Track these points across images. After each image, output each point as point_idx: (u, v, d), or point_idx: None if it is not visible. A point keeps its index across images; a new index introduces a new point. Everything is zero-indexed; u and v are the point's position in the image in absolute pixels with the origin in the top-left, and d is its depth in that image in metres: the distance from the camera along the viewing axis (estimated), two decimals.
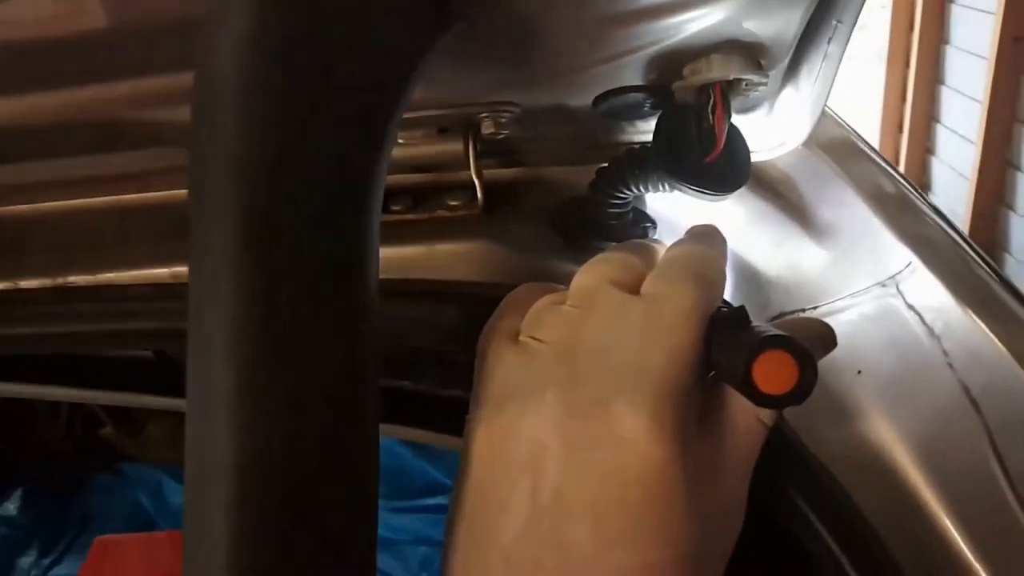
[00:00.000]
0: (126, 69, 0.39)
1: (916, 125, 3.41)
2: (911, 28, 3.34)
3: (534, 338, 0.31)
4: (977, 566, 0.38)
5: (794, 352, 0.25)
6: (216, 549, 0.25)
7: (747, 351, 0.26)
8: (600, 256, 0.34)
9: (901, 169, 3.47)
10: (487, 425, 0.30)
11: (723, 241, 0.36)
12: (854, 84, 3.50)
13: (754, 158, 0.45)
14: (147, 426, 1.36)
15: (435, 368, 0.46)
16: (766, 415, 0.32)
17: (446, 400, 0.47)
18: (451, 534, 0.30)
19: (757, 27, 0.36)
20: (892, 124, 3.51)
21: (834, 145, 0.51)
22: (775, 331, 0.27)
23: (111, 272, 0.47)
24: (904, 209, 0.47)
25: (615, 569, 0.27)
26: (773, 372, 0.25)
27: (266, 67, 0.25)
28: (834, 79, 0.41)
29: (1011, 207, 2.99)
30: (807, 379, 0.26)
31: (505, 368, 0.31)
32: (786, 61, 0.39)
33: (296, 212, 0.26)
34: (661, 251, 0.36)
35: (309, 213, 0.26)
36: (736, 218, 0.48)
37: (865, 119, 3.49)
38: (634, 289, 0.31)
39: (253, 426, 0.25)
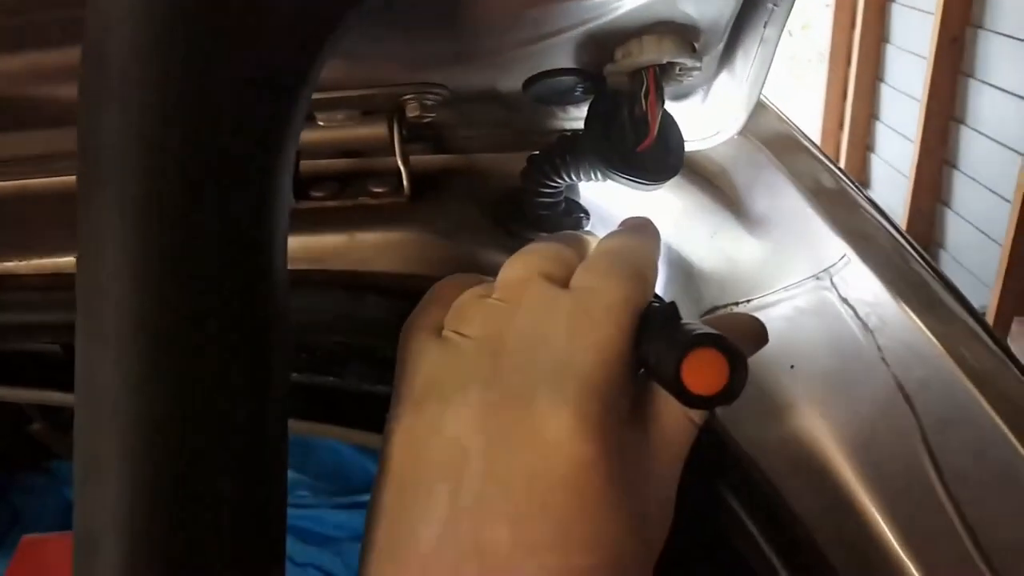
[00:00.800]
0: (24, 40, 0.36)
1: (857, 123, 3.47)
2: (853, 27, 3.40)
3: (458, 332, 0.30)
4: (909, 564, 0.38)
5: (725, 351, 0.24)
6: (107, 550, 0.23)
7: (676, 349, 0.25)
8: (529, 247, 0.33)
9: (842, 165, 3.53)
10: (406, 423, 0.29)
11: (656, 234, 0.35)
12: (796, 82, 3.55)
13: (689, 147, 0.44)
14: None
15: (360, 363, 0.44)
16: (697, 413, 0.30)
17: (371, 397, 0.45)
18: (368, 538, 0.29)
19: (691, 8, 0.35)
20: (833, 121, 3.57)
21: (774, 139, 0.50)
22: (705, 329, 0.25)
23: (9, 262, 0.44)
24: (842, 203, 0.46)
25: (539, 572, 0.25)
26: (703, 372, 0.24)
27: (158, 35, 0.23)
28: (770, 66, 0.40)
29: (947, 204, 3.07)
30: (737, 379, 0.25)
31: (427, 363, 0.30)
32: (721, 46, 0.38)
33: (191, 194, 0.23)
34: (593, 243, 0.35)
35: (206, 195, 0.23)
36: (670, 209, 0.47)
37: (807, 117, 3.55)
38: (563, 282, 0.30)
39: (144, 422, 0.23)
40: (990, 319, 2.66)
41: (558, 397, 0.26)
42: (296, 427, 0.47)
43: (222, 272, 0.24)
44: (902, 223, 3.16)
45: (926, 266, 0.44)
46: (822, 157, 0.51)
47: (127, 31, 0.22)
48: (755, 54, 0.39)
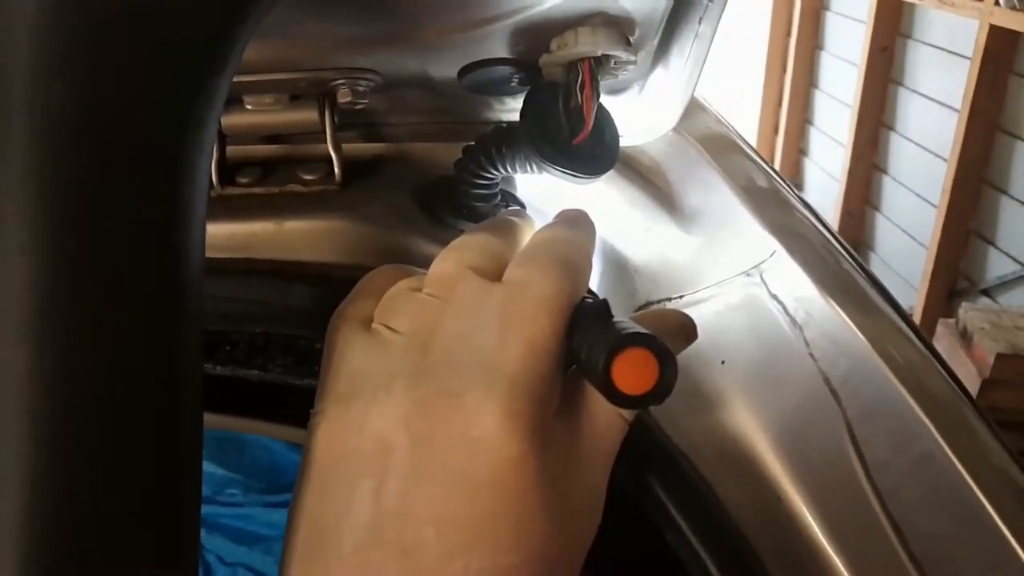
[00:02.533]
0: None
1: (791, 127, 3.56)
2: (789, 35, 3.48)
3: (387, 326, 0.29)
4: (833, 555, 0.38)
5: (655, 351, 0.24)
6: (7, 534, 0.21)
7: (607, 348, 0.24)
8: (460, 240, 0.32)
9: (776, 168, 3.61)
10: (330, 419, 0.28)
11: (592, 227, 0.34)
12: (733, 87, 3.61)
13: (624, 142, 0.44)
14: None
15: (285, 356, 0.42)
16: (626, 410, 0.30)
17: (298, 390, 0.44)
18: (290, 539, 0.28)
19: (626, 1, 0.34)
20: (769, 126, 3.65)
21: (710, 138, 0.50)
22: (636, 328, 0.25)
23: None
24: (773, 202, 0.47)
25: (464, 571, 0.25)
26: (633, 371, 0.24)
27: (61, 15, 0.21)
28: (704, 62, 0.40)
29: (877, 208, 3.17)
30: (667, 379, 0.24)
31: (353, 357, 0.29)
32: (656, 40, 0.38)
33: (95, 175, 0.22)
34: (527, 231, 0.34)
35: (112, 176, 0.22)
36: (605, 203, 0.46)
37: (743, 121, 3.62)
38: (495, 276, 0.29)
39: (45, 419, 0.22)
40: (916, 320, 2.75)
41: (486, 394, 0.25)
42: (219, 422, 0.46)
43: (128, 259, 0.22)
44: (833, 225, 3.24)
45: (855, 264, 0.44)
46: (756, 158, 0.52)
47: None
48: (690, 50, 0.39)
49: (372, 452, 0.26)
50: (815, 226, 0.46)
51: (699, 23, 0.38)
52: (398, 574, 0.25)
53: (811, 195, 3.56)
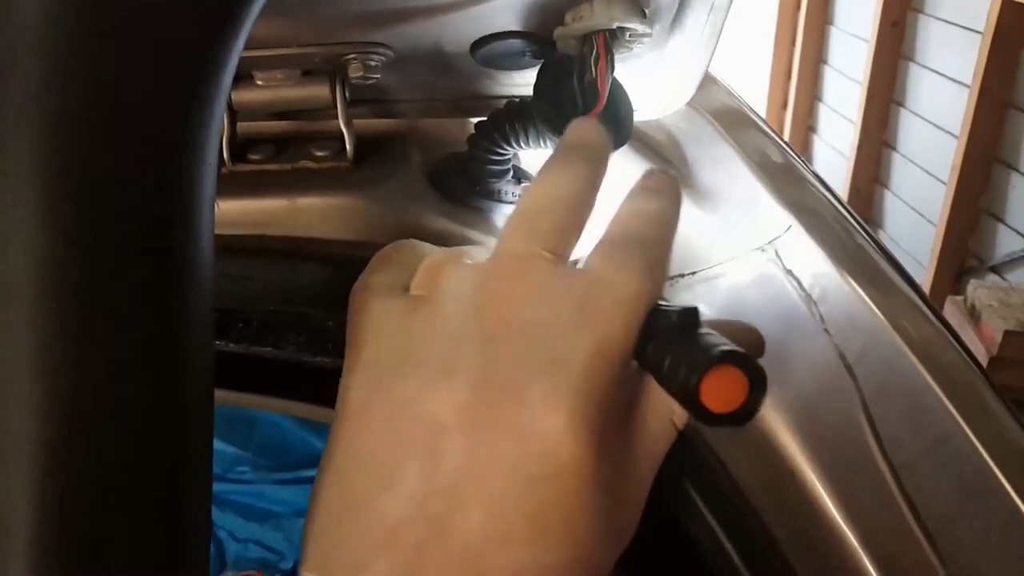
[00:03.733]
0: None
1: (800, 104, 3.53)
2: (798, 9, 3.44)
3: (435, 297, 0.28)
4: (848, 531, 0.38)
5: (748, 371, 0.23)
6: (18, 532, 0.21)
7: (699, 364, 0.23)
8: (527, 211, 0.29)
9: None
10: (372, 391, 0.27)
11: (679, 201, 0.31)
12: (741, 63, 3.58)
13: (638, 117, 0.43)
14: None
15: (298, 334, 0.42)
16: (680, 418, 0.29)
17: (312, 367, 0.44)
18: (320, 505, 0.27)
19: None
20: (777, 102, 3.62)
21: (723, 113, 0.50)
22: (727, 344, 0.24)
23: None
24: (788, 177, 0.46)
25: (506, 567, 0.24)
26: (723, 389, 0.23)
27: None
28: (720, 35, 0.39)
29: (886, 185, 3.15)
30: (755, 400, 0.23)
31: (391, 326, 0.28)
32: (672, 13, 0.38)
33: (100, 156, 0.22)
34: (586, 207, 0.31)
35: (117, 158, 0.22)
36: (618, 180, 0.46)
37: (751, 97, 3.58)
38: (563, 258, 0.28)
39: (54, 400, 0.21)
40: None
41: (554, 393, 0.24)
42: (234, 398, 0.46)
43: (135, 241, 0.22)
44: None
45: (869, 240, 0.44)
46: (770, 132, 0.51)
47: None
48: (706, 21, 0.38)
49: (424, 432, 0.25)
50: (830, 201, 0.46)
51: None
52: (440, 553, 0.25)
53: (819, 171, 3.53)
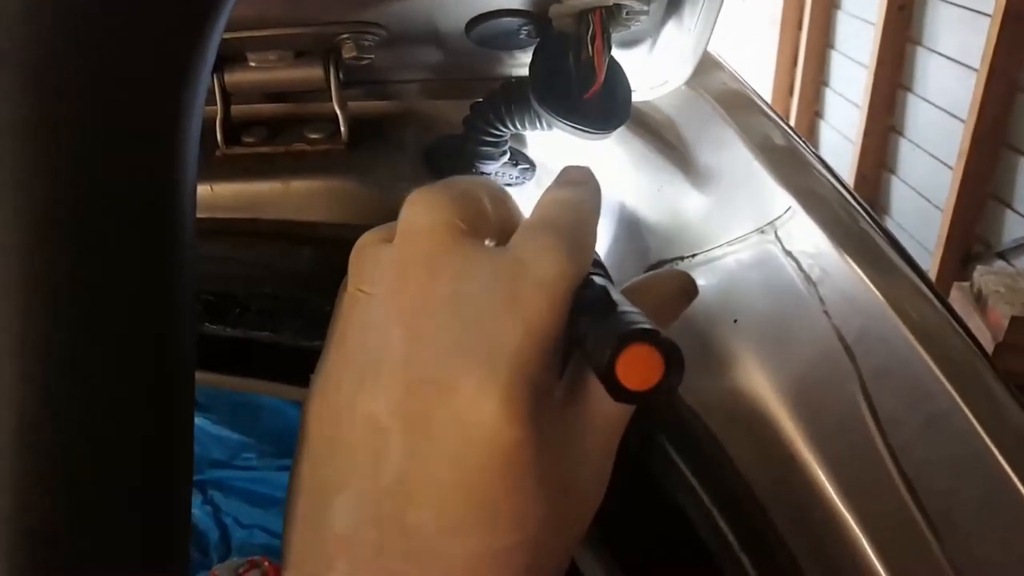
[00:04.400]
0: None
1: (806, 88, 3.50)
2: None
3: (361, 290, 0.27)
4: (846, 514, 0.38)
5: (664, 349, 0.23)
6: None
7: (613, 341, 0.23)
8: (439, 185, 0.28)
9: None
10: (321, 394, 0.27)
11: (597, 191, 0.31)
12: (747, 47, 3.56)
13: (635, 97, 0.43)
14: None
15: (295, 319, 0.42)
16: None
17: (310, 352, 0.43)
18: (289, 511, 0.27)
19: None
20: (783, 87, 3.60)
21: (725, 95, 0.49)
22: (642, 321, 0.24)
23: None
24: (790, 160, 0.46)
25: (463, 556, 0.25)
26: (638, 367, 0.23)
27: None
28: (719, 12, 0.39)
29: (892, 170, 3.13)
30: (672, 377, 0.23)
31: (344, 327, 0.27)
32: None
33: (79, 132, 0.21)
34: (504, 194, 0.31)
35: (96, 138, 0.21)
36: (616, 160, 0.46)
37: (757, 82, 3.56)
38: (484, 236, 0.27)
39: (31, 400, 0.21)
40: None
41: (483, 379, 0.24)
42: (232, 383, 0.46)
43: (132, 232, 0.22)
44: None
45: (873, 224, 0.44)
46: (774, 115, 0.51)
47: None
48: (702, 1, 0.38)
49: (366, 434, 0.25)
50: (832, 185, 0.45)
51: None
52: (399, 552, 0.25)
53: (825, 156, 3.51)
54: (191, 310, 0.25)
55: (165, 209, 0.23)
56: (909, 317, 0.37)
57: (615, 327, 0.24)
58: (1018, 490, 0.34)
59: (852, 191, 0.46)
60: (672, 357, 0.23)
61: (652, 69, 0.43)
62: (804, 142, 0.49)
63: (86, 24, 0.21)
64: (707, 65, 0.50)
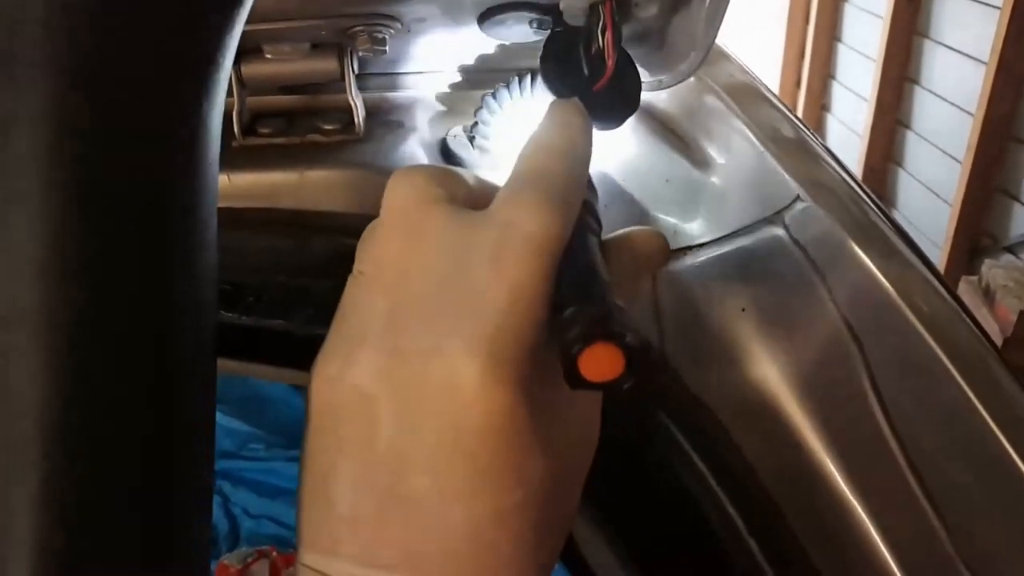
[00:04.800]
0: None
1: (813, 82, 3.49)
2: None
3: (359, 271, 0.27)
4: (854, 501, 0.38)
5: (627, 351, 0.23)
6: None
7: (585, 334, 0.24)
8: (422, 165, 0.28)
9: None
10: (317, 372, 0.27)
11: (587, 130, 0.30)
12: (754, 40, 3.55)
13: (645, 89, 0.43)
14: None
15: (307, 306, 0.43)
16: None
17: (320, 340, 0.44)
18: (299, 493, 0.27)
19: None
20: (790, 80, 3.59)
21: (734, 87, 0.50)
22: (618, 321, 0.24)
23: None
24: (798, 151, 0.46)
25: (464, 520, 0.25)
26: (599, 362, 0.23)
27: None
28: (727, 6, 0.39)
29: (900, 164, 3.12)
30: (628, 379, 0.24)
31: (340, 308, 0.27)
32: None
33: (101, 128, 0.22)
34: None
35: (117, 125, 0.22)
36: (625, 152, 0.46)
37: (765, 75, 3.55)
38: (465, 205, 0.27)
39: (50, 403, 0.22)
40: None
41: (470, 343, 0.24)
42: (243, 368, 0.46)
43: (153, 222, 0.22)
44: None
45: (882, 216, 0.44)
46: (783, 108, 0.51)
47: None
48: None
49: (355, 405, 0.25)
50: (841, 176, 0.46)
51: None
52: (401, 521, 0.25)
53: (833, 150, 3.50)
54: (211, 306, 0.25)
55: (192, 197, 0.23)
56: (918, 307, 0.38)
57: (585, 318, 0.24)
58: (1021, 474, 0.35)
59: (860, 183, 0.46)
60: (634, 357, 0.24)
61: (662, 61, 0.43)
62: (812, 134, 0.49)
63: (117, 22, 0.21)
64: (716, 57, 0.51)
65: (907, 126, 3.06)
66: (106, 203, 0.22)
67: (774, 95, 0.52)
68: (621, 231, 0.31)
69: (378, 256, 0.26)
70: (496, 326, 0.24)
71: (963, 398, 0.37)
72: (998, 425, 0.35)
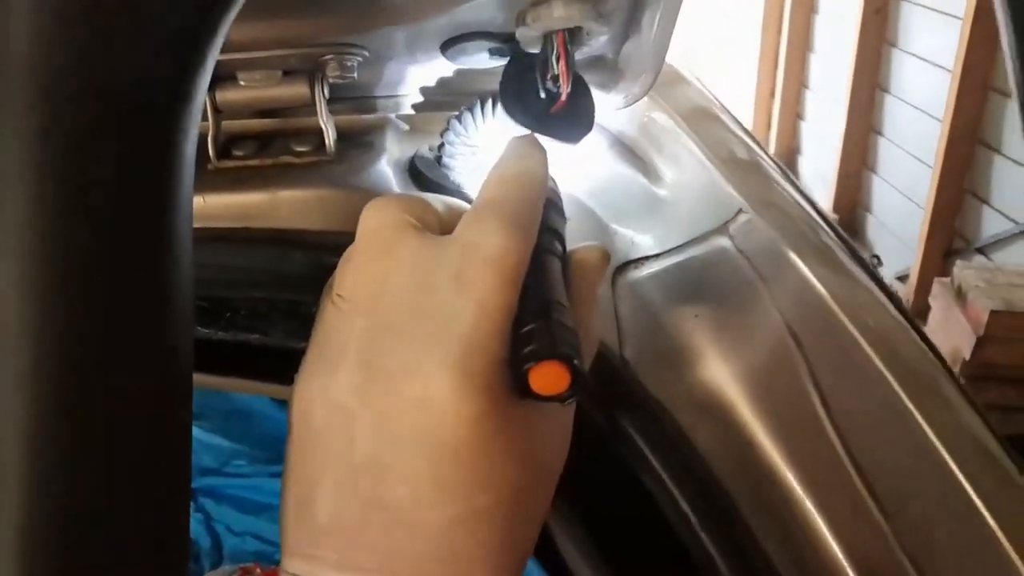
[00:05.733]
0: None
1: (788, 92, 3.55)
2: None
3: (338, 294, 0.29)
4: (800, 492, 0.41)
5: (572, 370, 0.27)
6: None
7: (537, 352, 0.27)
8: (393, 195, 0.32)
9: (773, 133, 3.61)
10: (298, 390, 0.29)
11: (542, 161, 0.33)
12: (729, 53, 3.60)
13: (600, 109, 0.46)
14: None
15: (287, 321, 0.45)
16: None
17: (300, 354, 0.46)
18: (281, 505, 0.29)
19: None
20: (766, 90, 3.64)
21: (689, 109, 0.53)
22: (565, 343, 0.27)
23: None
24: (746, 167, 0.49)
25: (438, 524, 0.26)
26: (548, 377, 0.26)
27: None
28: (672, 32, 0.42)
29: (873, 170, 3.17)
30: (574, 391, 0.27)
31: (319, 328, 0.30)
32: (626, 11, 0.40)
33: (83, 146, 0.24)
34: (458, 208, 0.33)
35: (102, 141, 0.23)
36: (587, 168, 0.49)
37: (740, 87, 3.60)
38: (433, 230, 0.29)
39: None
40: (913, 279, 2.77)
41: (439, 358, 0.26)
42: (223, 383, 0.48)
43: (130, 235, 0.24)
44: (831, 189, 3.25)
45: (831, 232, 0.47)
46: (737, 130, 0.54)
47: None
48: (658, 17, 0.41)
49: (336, 422, 0.27)
50: (788, 193, 0.49)
51: None
52: (379, 528, 0.26)
53: (808, 159, 3.55)
54: (190, 318, 0.27)
55: (168, 219, 0.25)
56: (851, 311, 0.40)
57: (539, 335, 0.27)
58: (945, 460, 0.37)
59: (815, 203, 0.49)
60: (578, 376, 0.27)
61: (615, 84, 0.46)
62: (766, 153, 0.52)
63: (100, 45, 0.23)
64: (674, 80, 0.54)
65: (879, 133, 3.11)
66: (85, 221, 0.24)
67: (732, 117, 0.55)
68: (572, 248, 0.34)
69: (353, 279, 0.29)
70: (464, 341, 0.26)
71: (894, 394, 0.39)
72: (923, 414, 0.38)
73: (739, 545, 0.42)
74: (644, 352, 0.44)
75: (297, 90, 0.42)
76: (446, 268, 0.27)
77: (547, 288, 0.30)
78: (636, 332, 0.45)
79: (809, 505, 0.41)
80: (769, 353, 0.42)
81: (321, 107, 0.42)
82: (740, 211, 0.44)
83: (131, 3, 0.23)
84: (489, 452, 0.26)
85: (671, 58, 0.44)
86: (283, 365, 0.49)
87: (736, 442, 0.42)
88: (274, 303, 0.45)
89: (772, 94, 3.64)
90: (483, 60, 0.43)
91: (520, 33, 0.40)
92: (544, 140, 0.41)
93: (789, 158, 3.60)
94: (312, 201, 0.43)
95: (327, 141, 0.43)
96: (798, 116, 3.61)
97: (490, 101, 0.43)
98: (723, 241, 0.44)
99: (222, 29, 0.26)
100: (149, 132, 0.24)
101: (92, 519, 0.23)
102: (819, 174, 3.42)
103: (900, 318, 0.44)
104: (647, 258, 0.46)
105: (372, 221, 0.29)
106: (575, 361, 0.27)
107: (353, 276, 0.29)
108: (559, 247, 0.34)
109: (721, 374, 0.43)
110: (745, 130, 0.55)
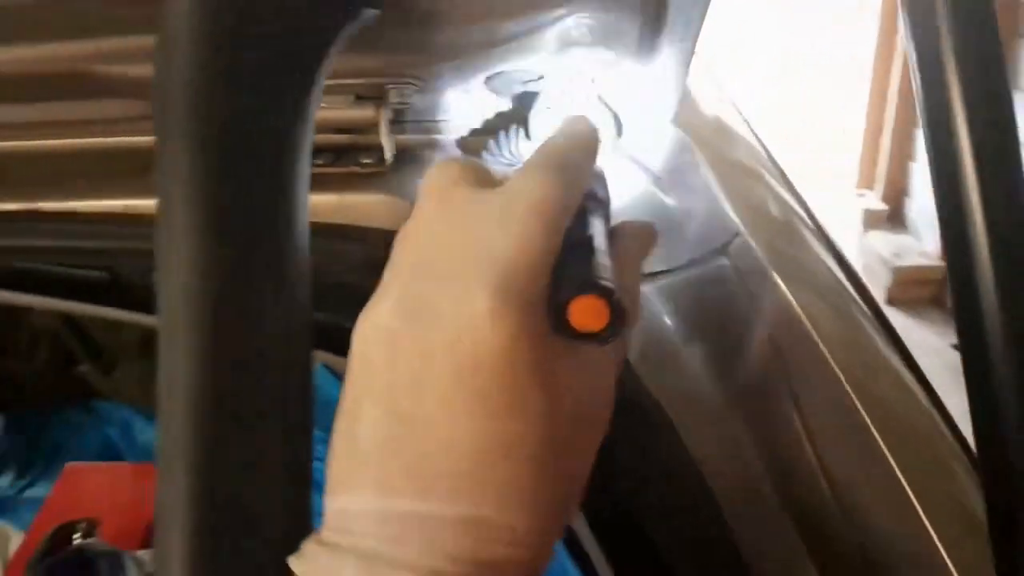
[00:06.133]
0: (98, 28, 0.46)
1: (898, 130, 3.46)
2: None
3: (400, 236, 0.31)
4: (768, 489, 0.46)
5: (611, 304, 0.27)
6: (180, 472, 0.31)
7: (574, 285, 0.27)
8: (456, 157, 0.36)
9: (880, 172, 3.50)
10: (357, 324, 0.30)
11: (592, 131, 0.34)
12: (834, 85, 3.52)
13: (624, 133, 0.53)
14: (119, 366, 1.42)
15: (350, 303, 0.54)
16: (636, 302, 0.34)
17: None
18: (329, 451, 0.30)
19: (611, 26, 0.44)
20: (874, 128, 3.57)
21: (705, 132, 0.58)
22: (604, 278, 0.28)
23: (74, 201, 0.55)
24: (751, 188, 0.55)
25: (470, 440, 0.27)
26: (588, 312, 0.27)
27: (212, 54, 0.33)
28: (692, 56, 0.48)
29: None
30: (611, 330, 0.27)
31: (386, 269, 0.31)
32: (644, 47, 0.47)
33: (240, 165, 0.33)
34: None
35: (251, 162, 0.33)
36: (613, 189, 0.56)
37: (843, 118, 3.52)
38: (480, 183, 0.31)
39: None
40: None
41: (478, 278, 0.27)
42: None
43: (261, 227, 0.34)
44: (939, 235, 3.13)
45: (835, 259, 0.52)
46: (757, 146, 0.60)
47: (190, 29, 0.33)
48: (672, 54, 0.47)
49: (379, 345, 0.28)
50: (797, 212, 0.54)
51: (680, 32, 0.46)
52: (415, 450, 0.27)
53: (916, 202, 3.45)
54: (309, 309, 0.35)
55: (295, 213, 0.35)
56: (822, 327, 0.46)
57: (581, 273, 0.27)
58: (887, 457, 0.42)
59: (816, 219, 0.54)
60: (617, 313, 0.27)
61: (637, 109, 0.52)
62: (781, 172, 0.57)
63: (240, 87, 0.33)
64: (693, 104, 0.60)
65: None
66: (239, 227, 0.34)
67: (750, 139, 0.61)
68: (620, 222, 0.36)
69: (412, 223, 0.30)
70: (504, 268, 0.27)
71: (842, 393, 0.45)
72: (875, 424, 0.43)
73: (710, 531, 0.48)
74: (647, 356, 0.51)
75: (365, 112, 0.51)
76: (493, 209, 0.28)
77: (591, 241, 0.30)
78: (642, 339, 0.51)
79: (770, 490, 0.47)
80: (755, 362, 0.48)
81: (383, 127, 0.51)
82: (738, 235, 0.50)
83: (260, 49, 0.33)
84: (521, 377, 0.27)
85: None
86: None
87: (723, 440, 0.48)
88: (335, 287, 0.53)
89: (880, 131, 3.55)
90: (516, 90, 0.51)
91: (547, 69, 0.47)
92: None
93: (896, 201, 3.49)
94: (372, 203, 0.52)
95: (386, 155, 0.52)
96: (908, 157, 3.52)
97: (523, 126, 0.50)
98: (722, 261, 0.50)
99: (328, 64, 0.35)
100: (282, 144, 0.34)
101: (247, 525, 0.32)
102: (925, 218, 3.32)
103: (860, 318, 0.48)
104: (655, 273, 0.53)
105: (436, 175, 0.31)
106: (616, 297, 0.27)
107: (411, 221, 0.30)
108: (605, 211, 0.34)
109: (713, 379, 0.49)
110: (764, 146, 0.60)
